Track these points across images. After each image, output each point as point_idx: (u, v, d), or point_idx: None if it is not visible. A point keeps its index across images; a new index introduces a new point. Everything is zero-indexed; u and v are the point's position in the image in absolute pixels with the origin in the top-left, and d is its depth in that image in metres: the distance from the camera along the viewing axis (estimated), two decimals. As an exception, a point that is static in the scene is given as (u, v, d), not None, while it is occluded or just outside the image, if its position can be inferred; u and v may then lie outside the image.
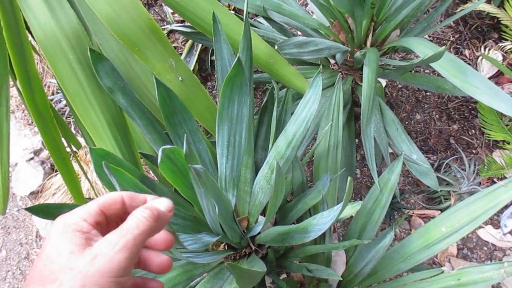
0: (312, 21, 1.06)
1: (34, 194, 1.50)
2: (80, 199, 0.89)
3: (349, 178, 0.52)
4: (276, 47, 0.79)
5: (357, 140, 1.33)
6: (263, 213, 0.95)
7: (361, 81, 1.11)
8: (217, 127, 0.65)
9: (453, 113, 1.43)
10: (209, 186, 0.55)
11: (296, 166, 0.93)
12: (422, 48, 0.97)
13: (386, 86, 1.48)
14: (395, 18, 1.06)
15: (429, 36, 1.56)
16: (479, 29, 1.54)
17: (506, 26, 1.41)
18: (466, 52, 1.52)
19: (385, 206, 0.91)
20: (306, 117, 0.70)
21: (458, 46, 1.53)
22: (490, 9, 1.40)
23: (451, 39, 1.55)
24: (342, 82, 1.17)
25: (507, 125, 1.23)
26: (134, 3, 0.65)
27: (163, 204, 0.37)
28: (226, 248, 0.84)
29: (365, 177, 1.38)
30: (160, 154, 0.48)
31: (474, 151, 1.38)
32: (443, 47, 0.78)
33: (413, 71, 1.44)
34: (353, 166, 1.13)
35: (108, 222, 0.36)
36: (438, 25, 1.21)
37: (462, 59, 1.51)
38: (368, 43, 1.10)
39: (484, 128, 1.26)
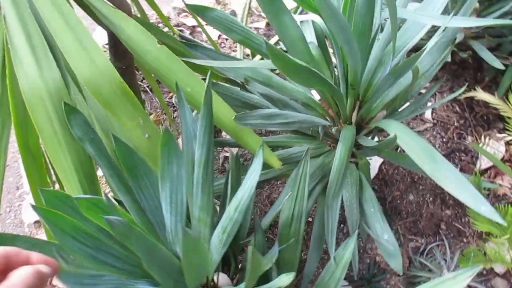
0: (301, 95, 1.13)
1: (39, 222, 1.60)
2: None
3: (250, 247, 0.56)
4: (233, 117, 0.86)
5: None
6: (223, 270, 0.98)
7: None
8: (160, 185, 0.72)
9: (447, 198, 1.42)
10: (132, 237, 0.61)
11: (259, 231, 0.97)
12: (397, 131, 1.01)
13: (383, 162, 1.50)
14: (378, 100, 1.11)
15: (433, 119, 1.59)
16: (485, 118, 1.55)
17: (510, 118, 1.41)
18: (469, 138, 1.52)
19: (340, 281, 0.92)
20: (250, 186, 0.75)
21: (461, 132, 1.54)
22: (492, 99, 1.42)
23: (455, 124, 1.56)
24: (326, 154, 1.22)
25: (494, 217, 1.21)
26: (109, 67, 0.75)
27: (46, 268, 0.40)
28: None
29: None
30: (83, 202, 0.55)
31: (465, 240, 1.35)
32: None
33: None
34: (323, 236, 1.15)
35: None
36: (425, 108, 1.25)
37: (464, 145, 1.51)
38: (353, 121, 1.14)
39: (471, 217, 1.24)
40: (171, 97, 1.73)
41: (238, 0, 2.14)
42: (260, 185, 1.47)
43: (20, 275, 0.36)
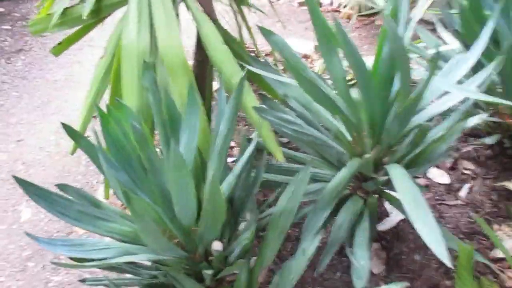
0: (333, 126, 1.34)
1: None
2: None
3: (210, 174, 0.79)
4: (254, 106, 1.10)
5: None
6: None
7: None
8: (181, 132, 0.98)
9: (452, 270, 1.47)
10: (145, 147, 0.87)
11: (253, 210, 1.18)
12: (397, 174, 1.15)
13: (403, 220, 1.60)
14: (395, 147, 1.27)
15: (467, 199, 1.65)
16: (518, 213, 1.58)
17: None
18: (495, 226, 1.56)
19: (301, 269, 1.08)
20: (243, 161, 0.98)
21: (490, 219, 1.58)
22: (523, 193, 1.46)
23: (487, 210, 1.61)
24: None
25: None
26: (179, 45, 1.06)
27: None
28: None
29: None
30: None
31: (453, 311, 1.38)
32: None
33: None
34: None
35: None
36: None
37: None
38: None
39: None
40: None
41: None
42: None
43: None
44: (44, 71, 2.85)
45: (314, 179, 1.36)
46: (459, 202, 1.65)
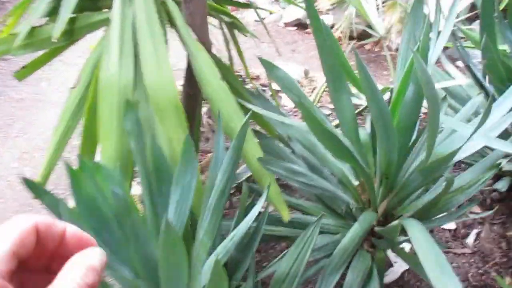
0: (339, 171, 1.18)
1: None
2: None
3: (215, 259, 0.61)
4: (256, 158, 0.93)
5: None
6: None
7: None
8: (172, 189, 0.80)
9: (464, 330, 1.32)
10: (129, 218, 0.69)
11: (251, 274, 1.00)
12: (415, 232, 1.00)
13: (407, 270, 1.46)
14: (409, 199, 1.12)
15: (475, 247, 1.52)
16: (531, 265, 1.46)
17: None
18: (507, 279, 1.43)
19: None
20: (247, 221, 0.81)
21: (501, 270, 1.46)
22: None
23: (497, 260, 1.48)
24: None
25: None
26: (171, 80, 0.88)
27: (96, 258, 0.30)
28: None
29: None
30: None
31: None
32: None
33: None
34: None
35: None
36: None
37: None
38: (380, 210, 1.16)
39: None
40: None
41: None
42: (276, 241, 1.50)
43: (76, 283, 0.27)
44: (9, 88, 2.60)
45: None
46: (466, 250, 1.51)
